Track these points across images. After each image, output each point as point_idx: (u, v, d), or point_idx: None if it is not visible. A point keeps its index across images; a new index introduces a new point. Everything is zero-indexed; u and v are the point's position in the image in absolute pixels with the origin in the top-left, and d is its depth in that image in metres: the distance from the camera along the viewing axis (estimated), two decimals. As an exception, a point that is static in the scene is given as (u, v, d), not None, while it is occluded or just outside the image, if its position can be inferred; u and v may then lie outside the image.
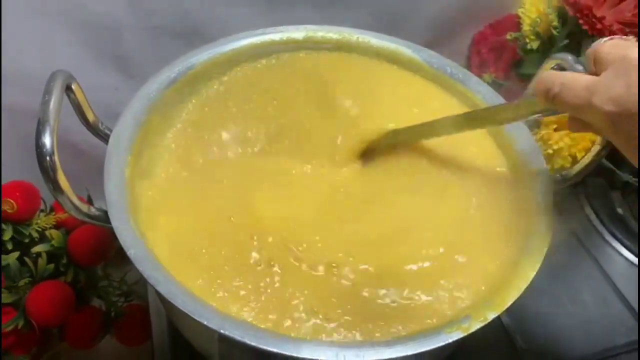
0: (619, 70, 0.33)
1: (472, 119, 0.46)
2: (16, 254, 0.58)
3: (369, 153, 0.50)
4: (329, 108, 0.52)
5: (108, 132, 0.45)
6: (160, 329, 0.58)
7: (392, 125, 0.50)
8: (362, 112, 0.51)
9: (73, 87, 0.42)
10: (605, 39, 0.36)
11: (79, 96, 0.43)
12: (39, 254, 0.59)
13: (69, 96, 0.42)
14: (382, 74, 0.55)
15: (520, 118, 0.44)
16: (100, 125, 0.46)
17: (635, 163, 0.35)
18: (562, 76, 0.36)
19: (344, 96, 0.52)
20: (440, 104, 0.53)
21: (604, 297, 0.61)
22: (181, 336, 0.48)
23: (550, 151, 0.64)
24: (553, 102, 0.37)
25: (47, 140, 0.36)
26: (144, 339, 0.62)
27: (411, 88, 0.54)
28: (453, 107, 0.53)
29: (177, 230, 0.43)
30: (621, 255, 0.64)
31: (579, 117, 0.37)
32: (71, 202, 0.38)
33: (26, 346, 0.59)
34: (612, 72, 0.33)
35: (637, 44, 0.35)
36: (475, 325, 0.37)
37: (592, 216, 0.68)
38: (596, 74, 0.35)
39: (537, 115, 0.41)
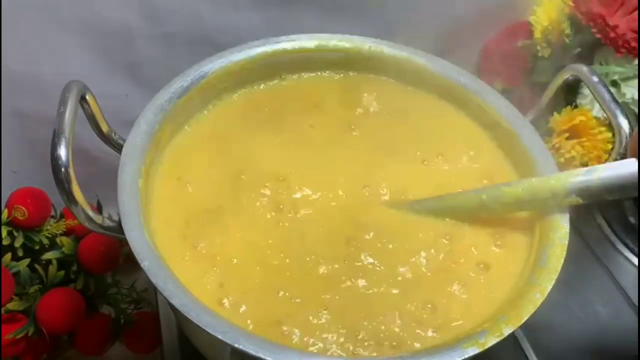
0: None
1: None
2: (27, 260, 0.58)
3: None
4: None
5: (121, 141, 0.45)
6: (170, 336, 0.58)
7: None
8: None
9: (87, 97, 0.42)
10: None
11: (93, 107, 0.43)
12: (49, 261, 0.59)
13: (82, 106, 0.42)
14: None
15: None
16: (113, 135, 0.46)
17: None
18: None
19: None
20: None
21: (617, 308, 0.60)
22: (191, 344, 0.48)
23: (562, 160, 0.63)
24: None
25: (62, 152, 0.36)
26: (154, 347, 0.62)
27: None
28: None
29: (192, 241, 0.43)
30: (634, 265, 0.64)
31: None
32: (85, 213, 0.38)
33: (36, 353, 0.59)
34: None
35: None
36: (492, 341, 0.36)
37: (604, 226, 0.67)
38: None
39: None
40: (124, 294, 0.63)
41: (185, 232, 0.43)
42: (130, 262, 0.64)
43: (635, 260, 0.64)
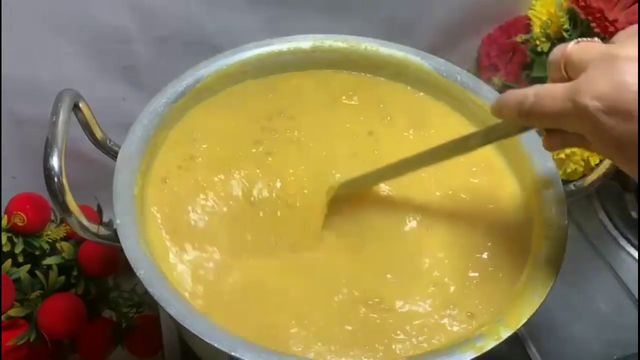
0: (603, 67, 0.31)
1: (438, 153, 0.43)
2: (27, 266, 0.58)
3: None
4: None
5: (116, 148, 0.45)
6: (171, 339, 0.58)
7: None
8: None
9: (81, 105, 0.41)
10: (571, 43, 0.34)
11: (87, 115, 0.43)
12: (49, 267, 0.59)
13: (76, 114, 0.42)
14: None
15: (490, 142, 0.42)
16: (108, 142, 0.46)
17: (629, 172, 0.33)
18: (532, 87, 0.34)
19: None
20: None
21: (619, 304, 0.60)
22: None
23: (562, 155, 0.63)
24: (528, 115, 0.34)
25: (55, 162, 0.36)
26: (156, 350, 0.62)
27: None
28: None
29: (187, 248, 0.43)
30: (636, 260, 0.63)
31: (558, 131, 0.35)
32: (80, 223, 0.38)
33: (38, 359, 0.59)
34: (594, 70, 0.32)
35: (601, 42, 0.34)
36: (489, 345, 0.36)
37: (606, 220, 0.67)
38: (569, 79, 0.33)
39: (506, 137, 0.39)
40: (125, 298, 0.63)
41: (181, 239, 0.43)
42: (130, 266, 0.64)
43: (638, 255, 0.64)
